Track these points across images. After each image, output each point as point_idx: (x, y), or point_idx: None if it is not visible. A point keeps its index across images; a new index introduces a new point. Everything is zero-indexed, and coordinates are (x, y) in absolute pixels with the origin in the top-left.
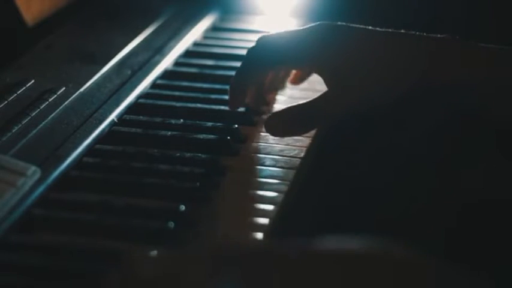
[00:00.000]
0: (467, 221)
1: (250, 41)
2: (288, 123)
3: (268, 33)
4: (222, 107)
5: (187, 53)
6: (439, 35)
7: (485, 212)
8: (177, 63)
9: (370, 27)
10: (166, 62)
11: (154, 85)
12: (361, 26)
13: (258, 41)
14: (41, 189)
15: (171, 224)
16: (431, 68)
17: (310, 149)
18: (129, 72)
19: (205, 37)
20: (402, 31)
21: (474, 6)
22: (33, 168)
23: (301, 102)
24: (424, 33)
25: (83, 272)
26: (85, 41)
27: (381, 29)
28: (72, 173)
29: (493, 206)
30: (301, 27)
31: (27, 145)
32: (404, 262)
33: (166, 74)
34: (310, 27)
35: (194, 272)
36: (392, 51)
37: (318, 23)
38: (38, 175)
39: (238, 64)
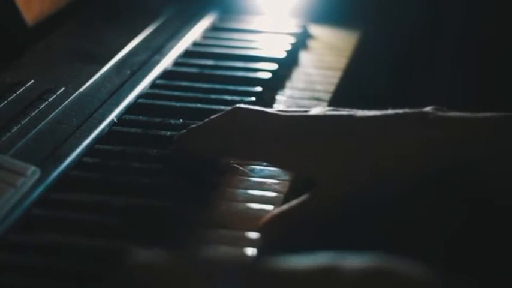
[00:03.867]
0: (467, 225)
1: (250, 41)
2: (282, 231)
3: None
4: (222, 107)
5: (187, 53)
6: (427, 108)
7: (486, 215)
8: (176, 63)
9: (356, 114)
10: (166, 62)
11: (154, 85)
12: (347, 114)
13: (236, 110)
14: (40, 189)
15: (171, 224)
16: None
17: None
18: (128, 72)
19: (204, 37)
20: (392, 112)
21: (474, 6)
22: (32, 168)
23: (290, 204)
24: (409, 109)
25: (83, 272)
26: (85, 41)
27: (366, 113)
28: (71, 173)
29: (493, 210)
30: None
31: (26, 145)
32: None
33: (166, 74)
34: (295, 117)
35: (192, 273)
36: (394, 141)
37: (306, 115)
38: (37, 175)
39: (238, 64)
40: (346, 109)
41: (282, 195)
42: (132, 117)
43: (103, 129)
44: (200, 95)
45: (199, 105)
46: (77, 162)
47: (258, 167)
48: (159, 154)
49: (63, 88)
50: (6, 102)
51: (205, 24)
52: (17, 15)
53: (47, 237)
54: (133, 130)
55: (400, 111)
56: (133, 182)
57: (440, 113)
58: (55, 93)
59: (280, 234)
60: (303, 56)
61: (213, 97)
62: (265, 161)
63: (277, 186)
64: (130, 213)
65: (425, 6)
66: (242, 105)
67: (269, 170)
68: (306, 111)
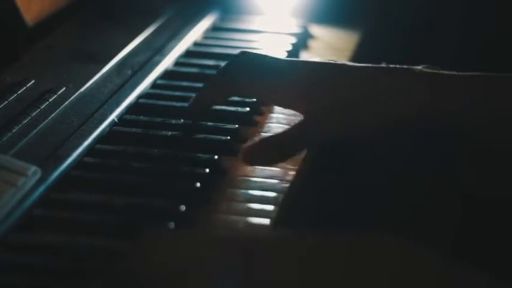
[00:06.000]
0: (467, 222)
1: (251, 41)
2: (264, 153)
3: (252, 52)
4: (222, 107)
5: (188, 53)
6: (419, 67)
7: (485, 211)
8: (177, 63)
9: (357, 64)
10: (167, 62)
11: (154, 85)
12: (349, 64)
13: (242, 56)
14: (41, 189)
15: (171, 224)
16: (430, 103)
17: (310, 149)
18: (129, 72)
19: (205, 37)
20: (384, 65)
21: (474, 6)
22: (33, 168)
23: (276, 132)
24: (405, 66)
25: (82, 272)
26: (85, 41)
27: (361, 65)
28: (72, 173)
29: (493, 206)
30: (289, 59)
31: (27, 145)
32: (410, 252)
33: (166, 74)
34: (298, 61)
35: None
36: (379, 87)
37: (307, 60)
38: (38, 175)
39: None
40: (343, 61)
41: (282, 195)
42: (133, 117)
43: (104, 129)
44: None
45: None
46: (78, 162)
47: (258, 167)
48: (160, 154)
49: (64, 88)
50: (6, 102)
51: (206, 24)
52: (17, 15)
53: (47, 237)
54: (134, 130)
55: (391, 66)
56: (133, 182)
57: (427, 70)
58: (56, 93)
59: (261, 154)
60: (303, 56)
61: None
62: (262, 99)
63: (277, 186)
64: (130, 213)
65: (425, 6)
66: (248, 51)
67: (269, 170)
68: (307, 60)
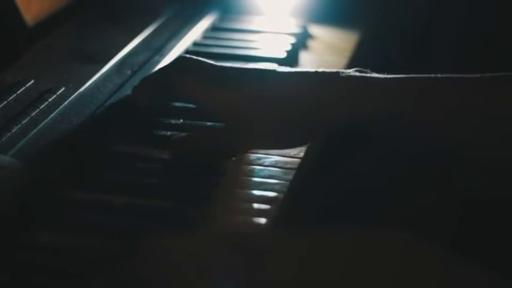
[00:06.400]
0: (468, 221)
1: (250, 41)
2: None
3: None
4: None
5: (187, 53)
6: (348, 70)
7: (486, 211)
8: None
9: (286, 69)
10: (166, 62)
11: None
12: (277, 69)
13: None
14: (41, 189)
15: (171, 224)
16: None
17: (310, 149)
18: (129, 72)
19: (205, 37)
20: (311, 70)
21: (474, 6)
22: (33, 168)
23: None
24: (334, 70)
25: (83, 272)
26: (85, 41)
27: (295, 70)
28: (72, 173)
29: (493, 206)
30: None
31: (27, 145)
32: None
33: None
34: (231, 68)
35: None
36: (304, 91)
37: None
38: (38, 175)
39: (238, 64)
40: (281, 68)
41: (282, 195)
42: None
43: None
44: None
45: None
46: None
47: (258, 167)
48: (160, 154)
49: (64, 88)
50: (6, 102)
51: (206, 24)
52: (17, 15)
53: (47, 237)
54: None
55: (320, 70)
56: (133, 182)
57: (353, 74)
58: (55, 93)
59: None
60: (303, 56)
61: None
62: (196, 102)
63: (277, 186)
64: (130, 214)
65: (425, 6)
66: (184, 55)
67: (269, 170)
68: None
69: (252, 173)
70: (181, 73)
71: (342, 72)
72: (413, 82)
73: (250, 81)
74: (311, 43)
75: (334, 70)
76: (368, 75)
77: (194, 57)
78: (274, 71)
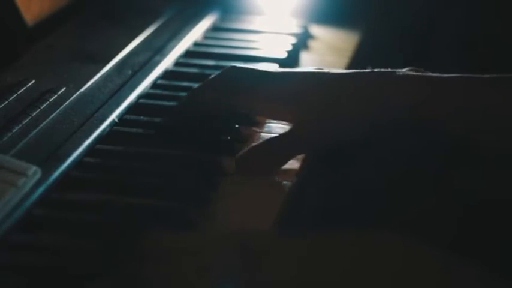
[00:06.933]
0: (468, 222)
1: (251, 41)
2: (256, 164)
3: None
4: None
5: (188, 53)
6: (404, 69)
7: (486, 212)
8: (177, 63)
9: (343, 71)
10: (167, 62)
11: (154, 85)
12: (334, 71)
13: (232, 68)
14: (41, 189)
15: (172, 225)
16: (416, 104)
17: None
18: (129, 72)
19: (205, 37)
20: (364, 71)
21: (474, 6)
22: (33, 168)
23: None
24: (389, 69)
25: (83, 272)
26: (85, 41)
27: (346, 72)
28: (72, 173)
29: (493, 206)
30: (276, 71)
31: (27, 145)
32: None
33: (166, 74)
34: (285, 72)
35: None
36: (365, 92)
37: (293, 71)
38: (38, 175)
39: (238, 64)
40: (329, 68)
41: (282, 195)
42: (133, 117)
43: (104, 129)
44: None
45: None
46: (78, 163)
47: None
48: (160, 154)
49: (64, 88)
50: (7, 102)
51: (206, 24)
52: (17, 15)
53: (47, 237)
54: (135, 130)
55: (376, 70)
56: (133, 182)
57: (408, 72)
58: (56, 93)
59: (255, 163)
60: (304, 57)
61: None
62: (248, 111)
63: (277, 186)
64: (130, 214)
65: (425, 6)
66: (235, 65)
67: None
68: (294, 70)
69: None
70: (235, 82)
71: (398, 72)
72: (472, 81)
73: (309, 89)
74: (312, 43)
75: (389, 70)
76: (427, 74)
77: (242, 66)
78: (330, 73)
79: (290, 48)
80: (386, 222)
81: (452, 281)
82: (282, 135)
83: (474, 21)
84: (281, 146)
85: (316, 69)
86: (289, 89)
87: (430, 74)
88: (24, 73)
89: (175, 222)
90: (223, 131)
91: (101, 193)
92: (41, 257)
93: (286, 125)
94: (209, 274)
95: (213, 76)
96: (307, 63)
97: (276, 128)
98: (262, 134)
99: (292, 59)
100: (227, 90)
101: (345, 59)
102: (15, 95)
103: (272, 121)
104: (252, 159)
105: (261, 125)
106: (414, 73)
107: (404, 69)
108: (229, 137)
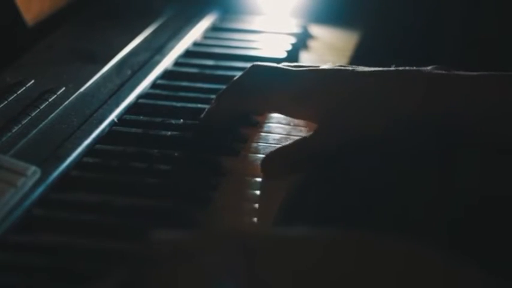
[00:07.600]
0: (468, 219)
1: (250, 41)
2: (282, 166)
3: (261, 64)
4: None
5: (188, 53)
6: (428, 67)
7: (486, 210)
8: (177, 63)
9: (364, 68)
10: (167, 62)
11: (154, 85)
12: (356, 68)
13: (253, 69)
14: (41, 189)
15: (172, 225)
16: (426, 102)
17: None
18: (129, 72)
19: (205, 37)
20: (388, 68)
21: (474, 6)
22: (33, 168)
23: (291, 142)
24: (414, 67)
25: (83, 272)
26: (85, 41)
27: (369, 69)
28: (72, 173)
29: (493, 203)
30: (296, 69)
31: (27, 145)
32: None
33: (166, 74)
34: (306, 71)
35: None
36: (383, 88)
37: (314, 68)
38: (38, 175)
39: (238, 64)
40: (352, 66)
41: (281, 195)
42: (133, 117)
43: (103, 129)
44: (201, 95)
45: (199, 106)
46: (78, 162)
47: (258, 167)
48: (160, 154)
49: (64, 88)
50: (6, 102)
51: (206, 24)
52: (17, 15)
53: (47, 237)
54: (134, 130)
55: (400, 68)
56: (133, 182)
57: (435, 71)
58: (55, 93)
59: (280, 168)
60: (304, 56)
61: (213, 97)
62: (274, 111)
63: (277, 186)
64: (130, 214)
65: (425, 6)
66: (259, 63)
67: None
68: (317, 67)
69: (252, 173)
70: (258, 82)
71: (424, 70)
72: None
73: (333, 88)
74: (311, 43)
75: (416, 68)
76: (453, 72)
77: (266, 64)
78: (352, 70)
79: (290, 48)
80: (388, 221)
81: (452, 281)
82: (308, 136)
83: (474, 20)
84: (309, 146)
85: (337, 66)
86: (314, 87)
87: (456, 72)
88: (24, 73)
89: (175, 222)
90: (223, 131)
91: (101, 193)
92: (40, 257)
93: (286, 125)
94: (209, 274)
95: (238, 77)
96: (307, 63)
97: (276, 128)
98: (262, 134)
99: (291, 59)
100: (256, 91)
101: (344, 59)
102: (15, 95)
103: (272, 121)
104: (279, 161)
105: (261, 124)
106: (439, 71)
107: (429, 67)
108: (229, 137)
